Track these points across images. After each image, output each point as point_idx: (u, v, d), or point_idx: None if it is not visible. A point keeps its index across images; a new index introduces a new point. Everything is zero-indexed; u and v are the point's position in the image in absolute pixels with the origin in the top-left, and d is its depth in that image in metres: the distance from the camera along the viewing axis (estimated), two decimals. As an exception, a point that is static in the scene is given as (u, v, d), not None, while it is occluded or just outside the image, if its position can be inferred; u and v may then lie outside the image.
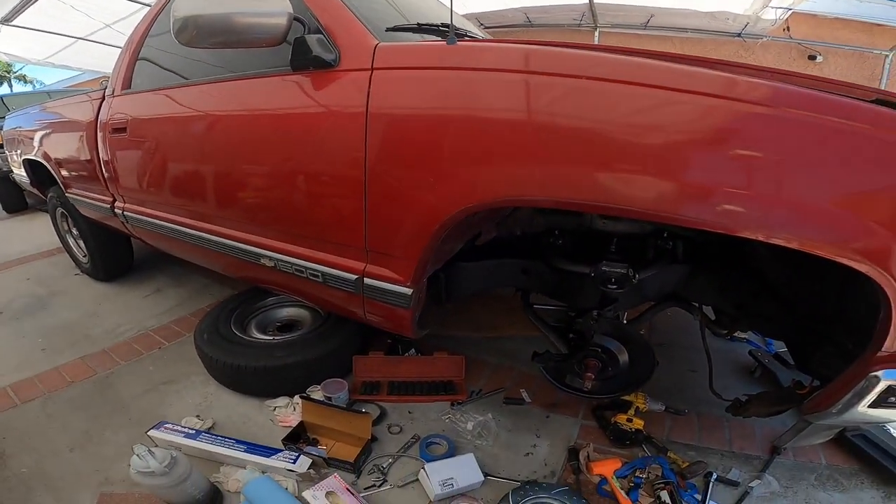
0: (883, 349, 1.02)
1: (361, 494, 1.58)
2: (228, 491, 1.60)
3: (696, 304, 1.73)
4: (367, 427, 1.73)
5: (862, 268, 0.95)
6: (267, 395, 1.99)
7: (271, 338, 2.13)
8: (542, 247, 1.71)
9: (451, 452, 1.72)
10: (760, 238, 1.00)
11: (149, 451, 1.40)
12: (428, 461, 1.68)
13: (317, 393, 1.95)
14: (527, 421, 1.89)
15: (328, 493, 1.52)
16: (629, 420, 1.73)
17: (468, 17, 3.06)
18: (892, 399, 1.06)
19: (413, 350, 2.24)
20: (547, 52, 1.18)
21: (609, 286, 1.43)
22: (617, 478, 1.57)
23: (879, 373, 1.03)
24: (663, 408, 1.85)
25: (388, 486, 1.62)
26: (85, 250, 3.15)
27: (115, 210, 2.47)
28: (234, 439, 1.73)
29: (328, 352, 2.02)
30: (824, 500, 1.54)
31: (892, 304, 0.96)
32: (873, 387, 1.06)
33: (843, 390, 1.13)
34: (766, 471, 1.61)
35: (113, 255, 3.07)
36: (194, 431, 1.75)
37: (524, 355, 2.22)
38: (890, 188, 0.93)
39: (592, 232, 1.58)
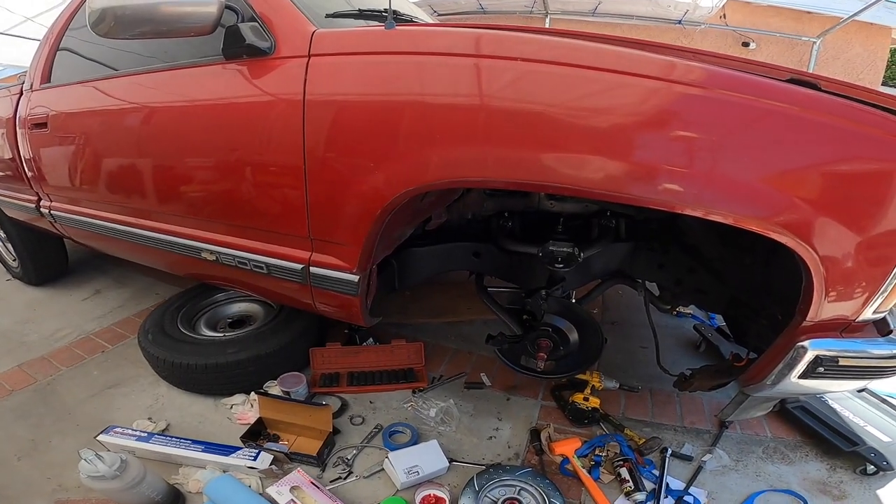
0: (808, 319, 1.10)
1: (328, 488, 1.58)
2: (190, 492, 1.58)
3: (640, 281, 1.81)
4: (327, 419, 1.73)
5: (786, 241, 1.03)
6: (222, 394, 1.95)
7: (221, 335, 2.09)
8: (492, 229, 1.77)
9: (415, 440, 1.75)
10: (699, 215, 1.06)
11: (96, 455, 1.36)
12: (392, 450, 1.71)
13: (274, 388, 1.94)
14: (488, 404, 1.94)
15: (293, 488, 1.52)
16: (586, 399, 1.81)
17: (421, 4, 3.02)
18: (821, 369, 1.14)
19: (371, 339, 2.25)
20: (485, 35, 1.19)
21: (556, 265, 1.49)
22: (578, 457, 1.65)
23: (806, 342, 1.12)
24: (617, 385, 1.94)
25: (354, 478, 1.63)
26: (14, 254, 2.96)
27: (42, 210, 2.34)
28: (189, 440, 1.69)
29: (282, 345, 1.99)
30: (773, 472, 1.63)
31: (813, 275, 1.04)
32: (801, 357, 1.15)
33: (773, 361, 1.22)
34: (716, 445, 1.71)
35: (44, 258, 2.90)
36: (146, 434, 1.70)
37: (483, 339, 2.28)
38: (809, 165, 1.00)
39: (540, 213, 1.65)
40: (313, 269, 1.51)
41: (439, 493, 1.52)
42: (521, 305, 1.87)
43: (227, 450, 1.66)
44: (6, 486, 1.59)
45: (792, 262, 1.08)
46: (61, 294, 2.86)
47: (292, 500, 1.50)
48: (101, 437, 1.67)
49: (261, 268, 1.62)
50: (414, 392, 2.01)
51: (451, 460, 1.66)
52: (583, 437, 1.73)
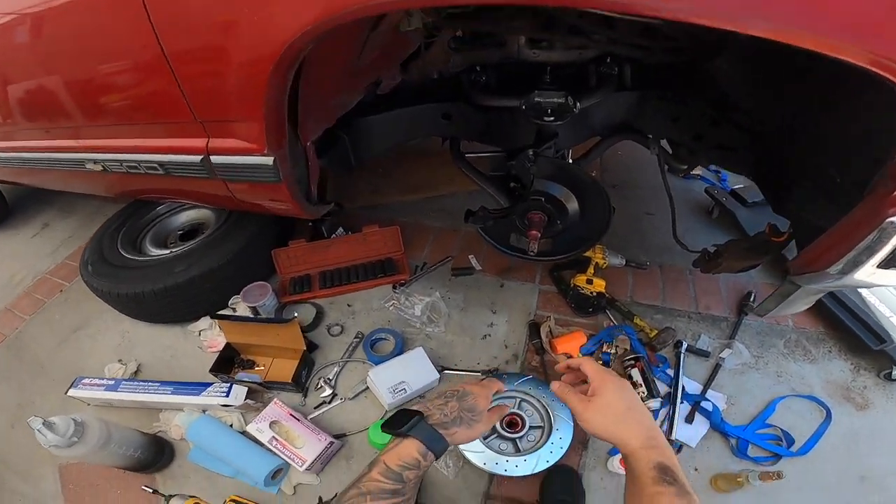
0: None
1: (312, 416, 1.49)
2: (174, 438, 1.50)
3: (650, 137, 1.45)
4: (297, 336, 1.55)
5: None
6: (186, 319, 1.77)
7: (168, 252, 1.81)
8: (464, 86, 1.41)
9: (400, 348, 1.59)
10: (767, 35, 0.64)
11: (44, 423, 1.23)
12: (376, 363, 1.56)
13: (241, 305, 1.73)
14: (480, 294, 1.72)
15: (272, 423, 1.41)
16: (589, 282, 1.55)
17: None
18: (913, 255, 0.81)
19: (341, 229, 1.96)
20: None
21: (545, 118, 1.24)
22: (583, 355, 1.47)
23: (897, 218, 0.75)
24: (624, 262, 1.67)
25: (340, 401, 1.52)
26: None
27: None
28: (157, 382, 1.55)
29: (236, 252, 1.72)
30: (794, 372, 1.48)
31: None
32: (888, 238, 0.79)
33: (846, 242, 0.87)
34: (734, 337, 1.53)
35: None
36: (113, 382, 1.56)
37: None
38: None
39: (521, 65, 1.28)
40: (215, 159, 1.22)
41: None
42: (505, 171, 1.54)
43: (197, 388, 1.52)
44: (10, 458, 1.53)
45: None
46: (10, 235, 2.57)
47: (274, 437, 1.39)
48: (72, 392, 1.54)
49: (155, 168, 1.33)
50: (395, 287, 1.79)
51: (442, 368, 1.51)
52: (587, 329, 1.51)
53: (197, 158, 1.22)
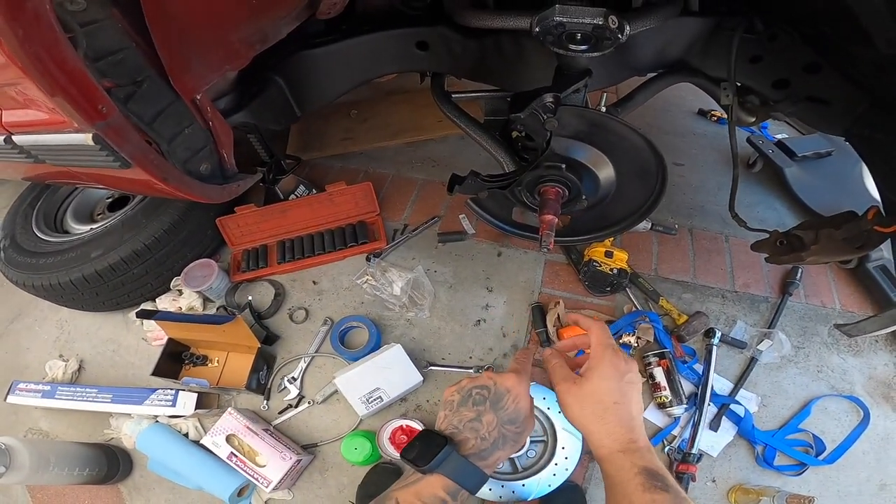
0: None
1: (277, 422, 1.29)
2: (128, 448, 1.32)
3: (722, 82, 1.03)
4: (247, 334, 1.29)
5: None
6: (121, 307, 1.51)
7: (88, 229, 1.50)
8: (447, 5, 1.04)
9: (377, 340, 1.32)
10: None
11: None
12: (347, 359, 1.30)
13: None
14: (473, 266, 1.41)
15: (229, 437, 1.21)
16: (608, 254, 1.20)
17: None
18: None
19: (302, 187, 1.60)
20: None
21: (571, 48, 0.86)
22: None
23: None
24: (649, 226, 1.32)
25: (308, 404, 1.30)
26: None
27: None
28: (95, 388, 1.35)
29: (167, 227, 1.42)
30: (836, 365, 1.28)
31: None
32: None
33: None
34: (775, 325, 1.29)
35: None
36: (49, 388, 1.37)
37: (461, 161, 1.61)
38: None
39: None
40: (20, 139, 0.84)
41: (413, 425, 1.19)
42: (506, 120, 1.18)
43: (139, 395, 1.32)
44: None
45: None
46: None
47: (233, 452, 1.20)
48: (10, 399, 1.37)
49: None
50: (369, 258, 1.47)
51: (427, 364, 1.26)
52: (604, 312, 1.22)
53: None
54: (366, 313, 1.37)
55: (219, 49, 0.83)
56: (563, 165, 1.00)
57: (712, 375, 1.20)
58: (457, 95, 1.25)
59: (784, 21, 0.93)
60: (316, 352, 1.35)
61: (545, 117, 0.91)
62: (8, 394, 1.38)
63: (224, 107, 1.01)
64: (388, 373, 1.22)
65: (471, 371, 1.25)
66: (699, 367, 1.23)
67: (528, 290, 1.35)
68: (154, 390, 1.31)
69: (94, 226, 1.50)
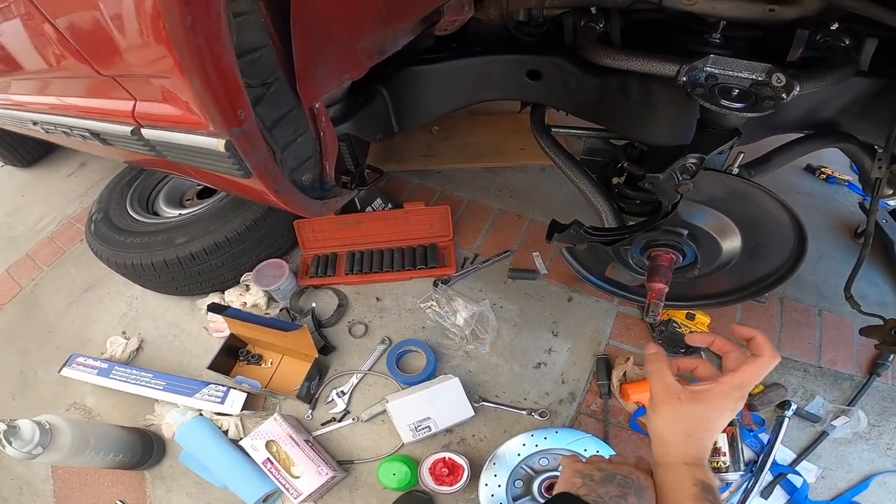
0: None
1: (317, 433, 1.29)
2: (166, 436, 1.35)
3: (876, 149, 0.93)
4: (308, 343, 1.31)
5: None
6: (192, 293, 1.57)
7: (177, 214, 1.58)
8: (567, 34, 1.00)
9: (433, 367, 1.30)
10: None
11: (6, 429, 1.06)
12: (401, 382, 1.30)
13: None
14: (541, 307, 1.37)
15: (269, 443, 1.21)
16: (690, 317, 1.12)
17: None
18: None
19: (379, 200, 1.62)
20: None
21: (725, 104, 0.75)
22: None
23: None
24: None
25: (351, 421, 1.29)
26: None
27: None
28: (152, 372, 1.39)
29: (250, 224, 1.46)
30: None
31: None
32: None
33: None
34: (856, 403, 1.22)
35: (9, 138, 2.35)
36: (107, 365, 1.42)
37: (541, 195, 1.56)
38: None
39: (666, 14, 0.87)
40: (148, 132, 0.81)
41: (456, 459, 1.14)
42: (605, 162, 1.13)
43: (192, 387, 1.35)
44: None
45: None
46: (48, 173, 2.48)
47: (269, 459, 1.20)
48: (65, 372, 1.43)
49: (89, 136, 0.96)
50: (437, 284, 1.45)
51: (479, 399, 1.25)
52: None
53: (127, 129, 0.84)
54: (425, 339, 1.36)
55: (343, 56, 0.81)
56: (685, 232, 0.95)
57: (778, 446, 1.14)
58: (555, 129, 1.20)
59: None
60: (369, 369, 1.34)
61: (681, 178, 0.83)
62: (64, 366, 1.44)
63: (332, 116, 1.02)
64: (441, 403, 1.21)
65: (522, 412, 1.21)
66: (764, 436, 1.17)
67: (594, 341, 1.29)
68: (206, 384, 1.34)
69: (182, 211, 1.58)
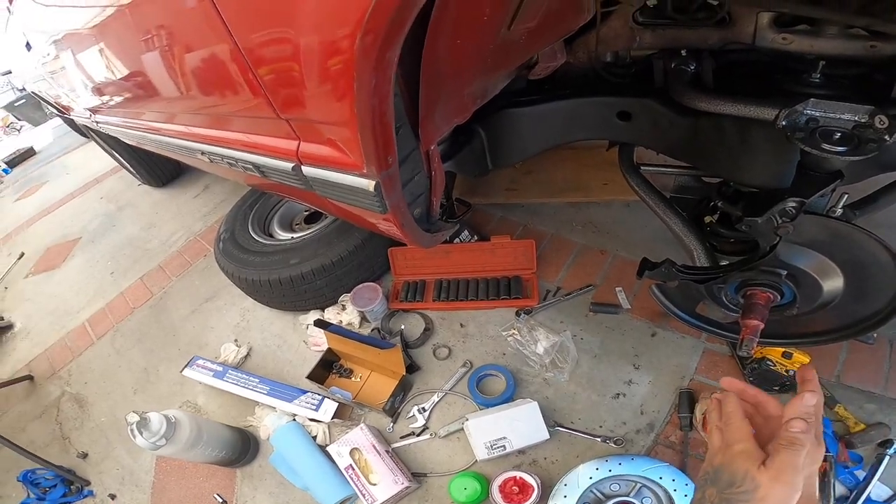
0: None
1: (396, 445, 1.38)
2: (261, 437, 1.50)
3: None
4: (398, 361, 1.41)
5: None
6: (297, 309, 1.75)
7: (289, 237, 1.79)
8: (657, 77, 1.01)
9: (511, 393, 1.34)
10: None
11: (140, 418, 1.24)
12: (480, 403, 1.37)
13: (350, 304, 1.65)
14: (622, 341, 1.37)
15: (353, 450, 1.32)
16: (787, 355, 1.08)
17: None
18: None
19: (466, 233, 1.73)
20: None
21: (826, 147, 0.73)
22: None
23: None
24: None
25: (428, 436, 1.36)
26: (125, 162, 2.98)
27: (94, 122, 2.15)
28: (258, 378, 1.56)
29: (351, 250, 1.62)
30: None
31: None
32: None
33: None
34: None
35: (149, 162, 2.84)
36: (222, 369, 1.62)
37: (624, 230, 1.58)
38: None
39: (760, 54, 0.87)
40: (307, 170, 0.93)
41: (527, 479, 1.17)
42: (696, 201, 1.12)
43: (292, 393, 1.50)
44: (122, 426, 1.66)
45: None
46: (178, 193, 2.92)
47: (351, 465, 1.31)
48: (186, 372, 1.65)
49: (251, 169, 1.12)
50: (519, 313, 1.51)
51: (554, 424, 1.27)
52: None
53: (288, 165, 0.96)
54: (506, 364, 1.41)
55: (456, 102, 0.89)
56: (784, 272, 0.92)
57: (874, 483, 1.08)
58: (644, 167, 1.20)
59: None
60: (450, 389, 1.41)
61: (780, 221, 0.83)
62: (186, 367, 1.65)
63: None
64: (518, 425, 1.25)
65: (597, 439, 1.21)
66: (860, 473, 1.11)
67: (678, 375, 1.27)
68: (304, 392, 1.48)
69: (294, 235, 1.79)
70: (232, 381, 1.57)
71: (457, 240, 1.71)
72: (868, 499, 1.08)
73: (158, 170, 2.90)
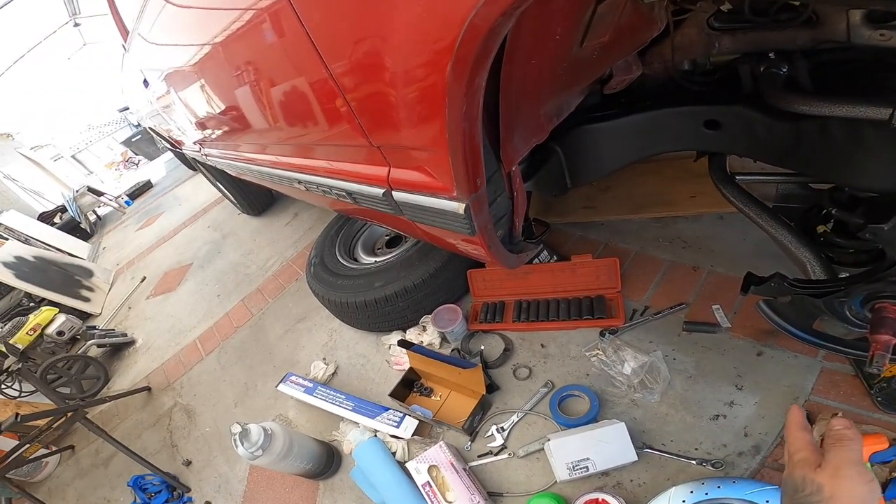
0: None
1: (474, 464, 1.35)
2: (345, 452, 1.54)
3: None
4: (479, 380, 1.40)
5: None
6: (381, 330, 1.80)
7: (372, 261, 1.87)
8: (744, 82, 0.96)
9: (595, 412, 1.28)
10: None
11: (242, 429, 1.33)
12: (561, 424, 1.30)
13: (430, 325, 1.67)
14: (722, 361, 1.26)
15: (431, 467, 1.32)
16: (920, 374, 0.94)
17: None
18: None
19: (545, 253, 1.70)
20: None
21: None
22: (873, 464, 0.96)
23: None
24: None
25: (507, 455, 1.33)
26: (227, 193, 3.35)
27: (203, 154, 2.41)
28: (344, 394, 1.63)
29: (431, 273, 1.66)
30: None
31: None
32: None
33: None
34: None
35: (248, 192, 3.18)
36: (312, 385, 1.71)
37: (718, 245, 1.49)
38: None
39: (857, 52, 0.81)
40: (397, 195, 0.96)
41: (610, 501, 1.10)
42: (804, 210, 1.04)
43: (374, 410, 1.54)
44: (223, 436, 1.82)
45: None
46: (272, 221, 3.21)
47: (429, 482, 1.30)
48: (280, 387, 1.76)
49: (343, 195, 1.18)
50: (603, 333, 1.44)
51: (643, 445, 1.18)
52: (892, 430, 0.96)
53: (379, 191, 0.99)
54: (589, 385, 1.35)
55: (532, 123, 0.90)
56: None
57: None
58: (740, 177, 1.12)
59: None
60: (531, 410, 1.37)
61: None
62: (280, 382, 1.76)
63: (518, 177, 1.13)
64: (603, 446, 1.18)
65: (692, 461, 1.10)
66: None
67: (790, 396, 1.14)
68: (386, 409, 1.52)
69: (376, 259, 1.86)
70: (321, 397, 1.65)
71: (536, 260, 1.68)
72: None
73: (256, 200, 3.24)
